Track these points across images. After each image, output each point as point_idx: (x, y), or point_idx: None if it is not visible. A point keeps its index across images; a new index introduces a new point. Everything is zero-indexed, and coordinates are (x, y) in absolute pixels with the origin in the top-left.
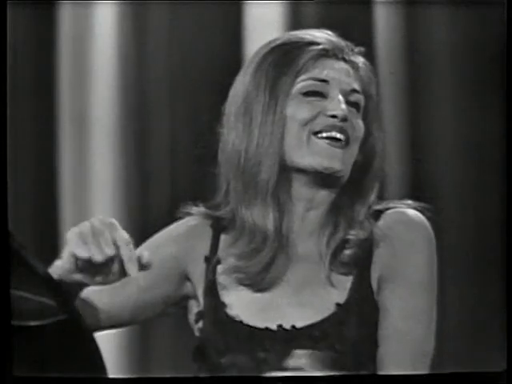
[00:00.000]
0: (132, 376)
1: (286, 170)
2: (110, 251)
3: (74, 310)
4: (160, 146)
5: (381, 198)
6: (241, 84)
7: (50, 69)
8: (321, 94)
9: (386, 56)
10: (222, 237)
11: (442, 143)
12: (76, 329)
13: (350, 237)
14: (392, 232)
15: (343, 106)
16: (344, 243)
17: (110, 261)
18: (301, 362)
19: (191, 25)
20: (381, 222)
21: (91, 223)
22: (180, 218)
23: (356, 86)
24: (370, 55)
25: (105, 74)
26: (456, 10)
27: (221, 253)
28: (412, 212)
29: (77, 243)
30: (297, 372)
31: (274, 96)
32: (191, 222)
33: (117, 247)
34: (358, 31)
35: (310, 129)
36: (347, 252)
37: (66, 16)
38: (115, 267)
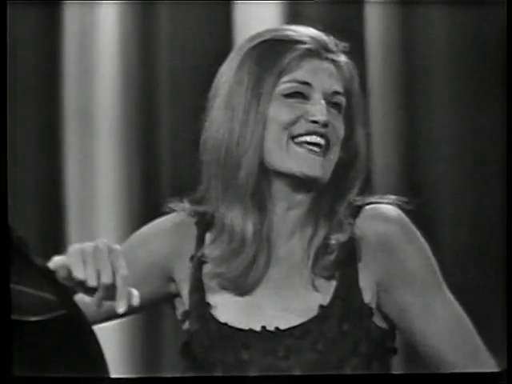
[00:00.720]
0: (133, 376)
1: (265, 172)
2: (106, 280)
3: (74, 305)
4: (159, 142)
5: (362, 193)
6: (224, 76)
7: (54, 67)
8: (303, 96)
9: (381, 56)
10: (207, 235)
11: (438, 143)
12: (76, 324)
13: (331, 241)
14: (371, 231)
15: (325, 111)
16: (325, 247)
17: (102, 288)
18: (283, 362)
19: (191, 23)
20: (360, 222)
21: (96, 244)
22: (165, 214)
23: (338, 88)
24: (362, 54)
25: (107, 73)
26: (454, 9)
27: (206, 252)
28: (387, 208)
29: (76, 261)
30: (279, 372)
31: (255, 95)
32: (176, 219)
33: (114, 278)
34: (353, 31)
35: (290, 132)
36: (329, 257)
37: (70, 15)
38: (104, 295)
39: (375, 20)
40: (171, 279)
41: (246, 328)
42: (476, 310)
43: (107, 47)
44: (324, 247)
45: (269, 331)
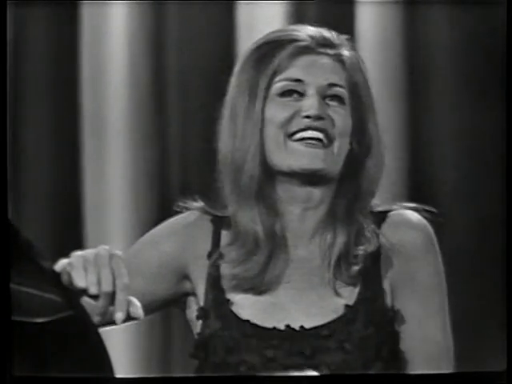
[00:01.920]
0: (133, 376)
1: (269, 173)
2: (106, 288)
3: (79, 307)
4: (169, 142)
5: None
6: (230, 85)
7: (66, 67)
8: (298, 93)
9: (379, 55)
10: (223, 232)
11: (437, 143)
12: (82, 325)
13: (358, 252)
14: (397, 239)
15: (317, 104)
16: (350, 257)
17: (104, 296)
18: (309, 361)
19: (199, 23)
20: (385, 229)
21: (97, 252)
22: (178, 213)
23: (335, 80)
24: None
25: (118, 74)
26: (452, 8)
27: (223, 249)
28: (413, 215)
29: (77, 268)
30: (306, 372)
31: (253, 97)
32: (189, 218)
33: (114, 286)
34: (351, 29)
35: (286, 131)
36: (354, 267)
37: (83, 15)
38: (107, 302)
39: (373, 19)
40: (186, 277)
41: (270, 326)
42: (476, 311)
43: (117, 48)
44: (348, 256)
45: (294, 330)
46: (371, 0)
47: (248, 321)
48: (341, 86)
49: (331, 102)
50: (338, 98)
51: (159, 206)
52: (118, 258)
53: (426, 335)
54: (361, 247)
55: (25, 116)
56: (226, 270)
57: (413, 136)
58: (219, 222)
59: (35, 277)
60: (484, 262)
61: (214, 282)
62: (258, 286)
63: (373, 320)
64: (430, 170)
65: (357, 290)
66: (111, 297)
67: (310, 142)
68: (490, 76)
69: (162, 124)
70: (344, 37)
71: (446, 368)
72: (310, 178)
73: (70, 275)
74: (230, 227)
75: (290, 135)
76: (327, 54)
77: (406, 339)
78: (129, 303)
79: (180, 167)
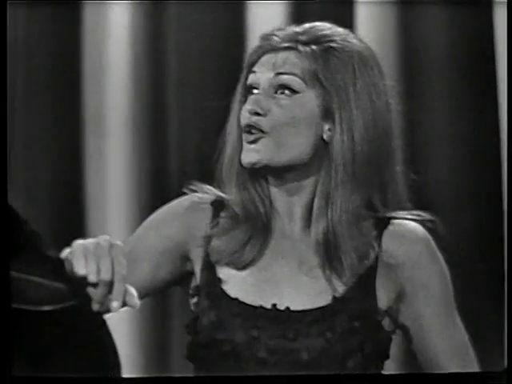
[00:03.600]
0: (133, 376)
1: (239, 165)
2: (105, 276)
3: (84, 296)
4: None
5: (384, 205)
6: None
7: (69, 66)
8: (256, 88)
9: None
10: (222, 214)
11: (433, 142)
12: (88, 313)
13: (356, 252)
14: (401, 249)
15: (255, 99)
16: (347, 252)
17: (103, 284)
18: (291, 344)
19: (200, 23)
20: (387, 238)
21: (98, 241)
22: (184, 194)
23: (285, 69)
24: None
25: (119, 73)
26: (448, 9)
27: (219, 229)
28: (416, 227)
29: (78, 257)
30: (287, 354)
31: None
32: (189, 201)
33: (113, 275)
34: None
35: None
36: (350, 264)
37: (85, 15)
38: (106, 290)
39: (368, 19)
40: (187, 258)
41: (257, 305)
42: (476, 311)
43: (119, 47)
44: (345, 250)
45: (279, 310)
46: (369, 0)
47: (237, 299)
48: (291, 74)
49: (280, 95)
50: (287, 87)
51: (158, 198)
52: (118, 247)
53: (443, 336)
54: (362, 244)
55: (29, 109)
56: (214, 245)
57: (406, 134)
58: (219, 205)
59: (42, 266)
60: (483, 260)
61: (207, 260)
62: (236, 261)
63: (359, 316)
64: (425, 168)
65: (348, 285)
66: (110, 285)
67: (247, 136)
68: (482, 75)
69: (162, 117)
70: (314, 30)
71: (471, 366)
72: (261, 170)
73: (71, 263)
74: (228, 210)
75: (243, 131)
76: (288, 49)
77: (420, 342)
78: (126, 293)
79: (180, 158)
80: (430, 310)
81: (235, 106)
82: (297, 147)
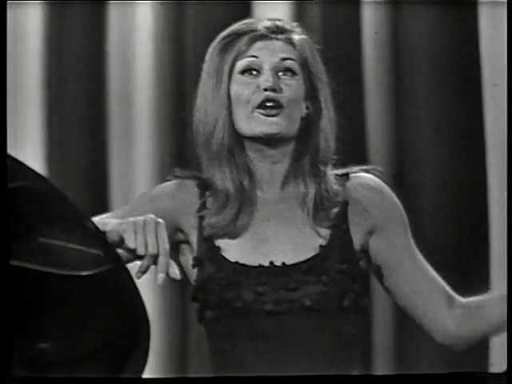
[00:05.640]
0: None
1: (238, 138)
2: (152, 250)
3: (119, 260)
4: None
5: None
6: (202, 71)
7: (99, 58)
8: (256, 70)
9: (373, 52)
10: (207, 193)
11: (421, 142)
12: (121, 277)
13: (331, 197)
14: (366, 196)
15: (270, 78)
16: (325, 201)
17: (148, 257)
18: (294, 294)
19: (215, 22)
20: (350, 187)
21: (145, 218)
22: (168, 180)
23: (286, 55)
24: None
25: (143, 68)
26: (434, 10)
27: (206, 205)
28: (372, 177)
29: (128, 231)
30: (291, 303)
31: (219, 79)
32: (178, 183)
33: (158, 249)
34: (347, 29)
35: (252, 104)
36: (329, 212)
37: (111, 14)
38: (150, 263)
39: (368, 19)
40: (179, 230)
41: (256, 264)
42: None
43: (142, 45)
44: (322, 203)
45: (276, 266)
46: (365, 0)
47: (237, 262)
48: (291, 59)
49: (283, 76)
50: (289, 70)
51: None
52: (162, 225)
53: (406, 276)
54: (332, 196)
55: (62, 101)
56: (207, 219)
57: (399, 122)
58: (204, 185)
59: (81, 234)
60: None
61: (205, 236)
62: (230, 232)
63: (346, 258)
64: (414, 152)
65: (328, 232)
66: (154, 258)
67: (268, 111)
68: (469, 76)
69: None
70: (295, 23)
71: (437, 302)
72: (271, 139)
73: (120, 236)
74: (210, 186)
75: (255, 108)
76: (279, 39)
77: (389, 277)
78: (169, 265)
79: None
80: (394, 250)
81: (222, 85)
82: (297, 121)
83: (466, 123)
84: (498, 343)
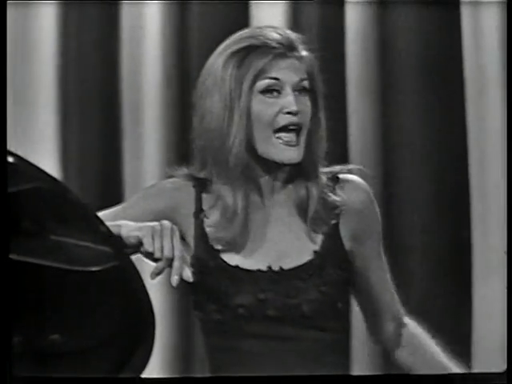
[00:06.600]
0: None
1: (254, 155)
2: (168, 254)
3: (126, 257)
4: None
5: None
6: (210, 76)
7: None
8: (277, 91)
9: (359, 53)
10: (204, 196)
11: (408, 130)
12: (128, 273)
13: (329, 200)
14: (346, 196)
15: (294, 101)
16: (323, 206)
17: (165, 260)
18: (295, 300)
19: (219, 22)
20: (339, 190)
21: (162, 224)
22: (165, 179)
23: (303, 75)
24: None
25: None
26: (417, 9)
27: (206, 211)
28: (357, 178)
29: (147, 236)
30: (291, 309)
31: (237, 92)
32: (174, 182)
33: (173, 253)
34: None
35: (273, 126)
36: (328, 213)
37: (122, 15)
38: (166, 265)
39: (354, 19)
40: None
41: (255, 269)
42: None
43: (151, 46)
44: (322, 208)
45: (274, 271)
46: (352, 1)
47: (237, 266)
48: (306, 79)
49: (299, 96)
50: (305, 89)
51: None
52: (177, 231)
53: (379, 277)
54: (331, 201)
55: (80, 97)
56: (211, 231)
57: (385, 123)
58: (200, 187)
59: (90, 232)
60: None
61: (203, 237)
62: (234, 247)
63: (339, 263)
64: (400, 152)
65: (320, 238)
66: (170, 262)
67: (290, 135)
68: (452, 75)
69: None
70: (301, 36)
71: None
72: (285, 165)
73: (140, 241)
74: (210, 192)
75: (276, 131)
76: (294, 57)
77: (371, 276)
78: (182, 269)
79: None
80: (373, 251)
81: (241, 104)
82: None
83: (449, 124)
84: (498, 343)
